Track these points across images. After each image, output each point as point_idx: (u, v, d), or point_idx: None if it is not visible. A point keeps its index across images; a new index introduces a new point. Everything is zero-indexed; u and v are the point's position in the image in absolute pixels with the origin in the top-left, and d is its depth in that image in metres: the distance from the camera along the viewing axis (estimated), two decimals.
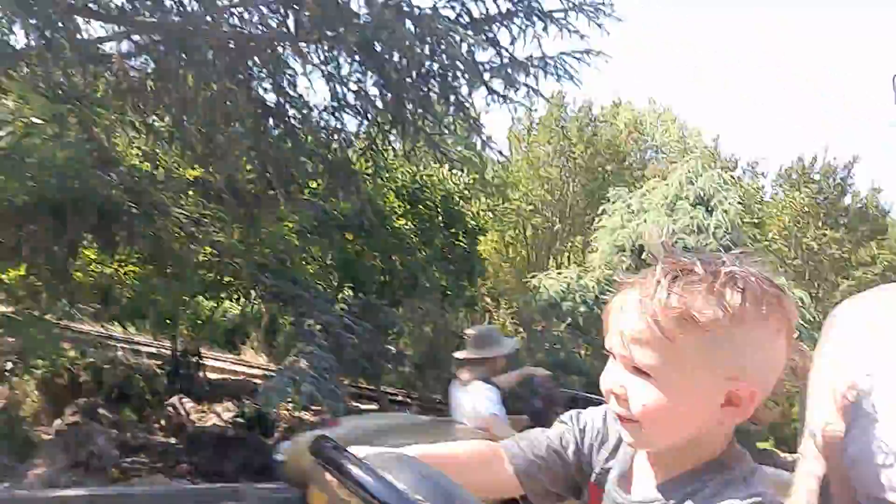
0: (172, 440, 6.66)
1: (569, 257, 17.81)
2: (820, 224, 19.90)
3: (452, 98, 5.43)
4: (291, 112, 5.68)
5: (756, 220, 17.64)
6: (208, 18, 4.53)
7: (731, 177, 14.34)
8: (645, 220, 11.60)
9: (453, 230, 11.07)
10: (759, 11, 40.58)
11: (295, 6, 4.85)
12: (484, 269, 12.47)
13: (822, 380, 0.94)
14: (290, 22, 5.06)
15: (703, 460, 0.84)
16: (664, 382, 0.79)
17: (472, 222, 11.41)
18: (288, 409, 7.39)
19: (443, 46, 4.92)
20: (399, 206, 10.56)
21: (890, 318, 0.89)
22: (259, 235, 7.23)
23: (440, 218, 10.93)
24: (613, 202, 12.80)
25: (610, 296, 0.85)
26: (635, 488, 0.89)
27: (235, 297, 9.07)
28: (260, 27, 5.14)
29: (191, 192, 6.22)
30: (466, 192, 11.90)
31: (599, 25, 5.59)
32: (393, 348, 9.14)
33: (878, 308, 0.94)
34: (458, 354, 4.03)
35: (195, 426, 7.03)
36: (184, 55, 4.55)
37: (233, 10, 5.02)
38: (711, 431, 0.82)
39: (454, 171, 11.25)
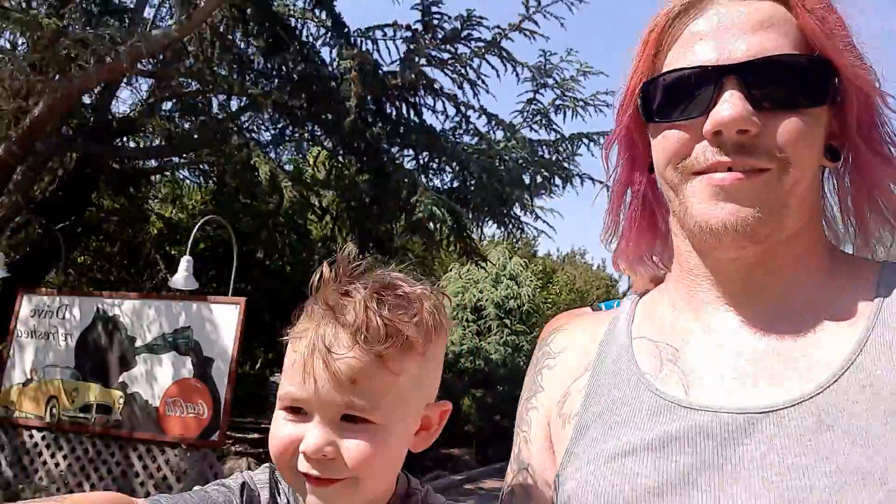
0: None
1: None
2: None
3: None
4: None
5: None
6: None
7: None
8: (481, 290, 17.63)
9: None
10: None
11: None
12: None
13: (535, 412, 0.90)
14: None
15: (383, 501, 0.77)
16: (384, 423, 0.72)
17: None
18: None
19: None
20: None
21: (602, 351, 0.86)
22: None
23: None
24: (448, 272, 18.60)
25: (295, 339, 0.74)
26: None
27: None
28: None
29: None
30: None
31: None
32: None
33: (587, 338, 0.89)
34: None
35: None
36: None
37: None
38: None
39: None
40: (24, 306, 6.50)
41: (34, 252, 8.71)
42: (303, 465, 0.71)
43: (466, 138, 8.35)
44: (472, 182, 7.98)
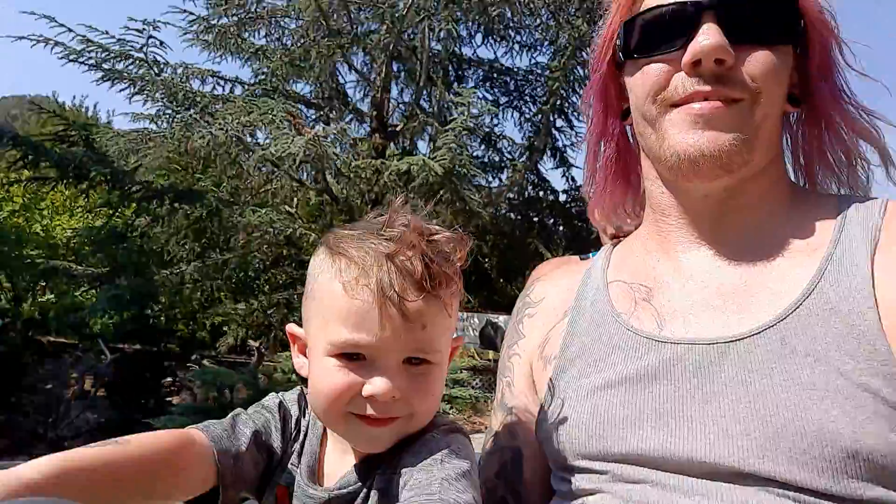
0: None
1: None
2: None
3: None
4: None
5: None
6: None
7: None
8: None
9: None
10: None
11: None
12: None
13: (517, 358, 0.94)
14: None
15: None
16: (438, 362, 0.77)
17: None
18: None
19: None
20: None
21: (579, 297, 0.90)
22: None
23: None
24: None
25: (352, 286, 0.74)
26: (328, 478, 0.82)
27: None
28: None
29: None
30: None
31: None
32: None
33: (565, 286, 0.94)
34: None
35: None
36: None
37: None
38: None
39: None
40: None
41: None
42: (366, 409, 0.74)
43: None
44: None
